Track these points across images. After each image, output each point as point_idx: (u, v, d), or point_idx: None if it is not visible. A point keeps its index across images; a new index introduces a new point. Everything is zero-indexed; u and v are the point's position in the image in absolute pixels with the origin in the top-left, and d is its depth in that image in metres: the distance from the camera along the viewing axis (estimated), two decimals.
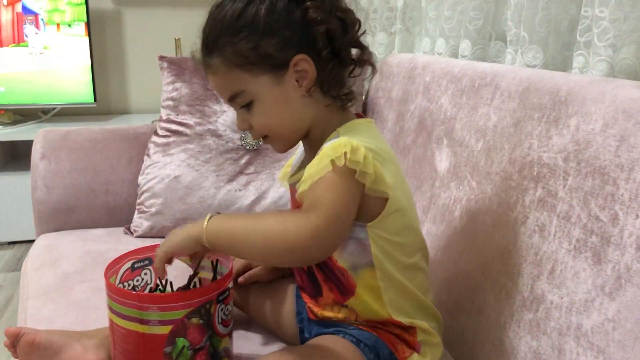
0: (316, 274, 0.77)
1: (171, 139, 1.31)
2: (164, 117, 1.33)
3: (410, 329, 0.75)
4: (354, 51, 0.75)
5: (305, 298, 0.82)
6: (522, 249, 0.78)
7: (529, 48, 1.01)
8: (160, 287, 0.82)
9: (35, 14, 2.25)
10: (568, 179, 0.72)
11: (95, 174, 1.33)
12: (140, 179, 1.31)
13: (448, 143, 1.04)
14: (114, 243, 1.23)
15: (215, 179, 1.27)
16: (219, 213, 0.70)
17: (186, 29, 2.41)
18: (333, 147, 0.66)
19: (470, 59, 1.21)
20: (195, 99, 1.32)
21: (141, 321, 0.67)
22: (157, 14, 2.53)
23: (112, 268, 0.75)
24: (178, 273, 0.79)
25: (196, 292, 0.70)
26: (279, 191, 1.28)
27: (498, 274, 0.82)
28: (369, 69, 0.78)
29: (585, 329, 0.65)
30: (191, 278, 0.78)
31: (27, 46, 2.26)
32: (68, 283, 1.05)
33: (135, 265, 0.79)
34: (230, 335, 0.76)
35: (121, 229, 1.31)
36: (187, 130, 1.30)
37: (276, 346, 0.86)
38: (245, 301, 0.91)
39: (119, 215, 1.34)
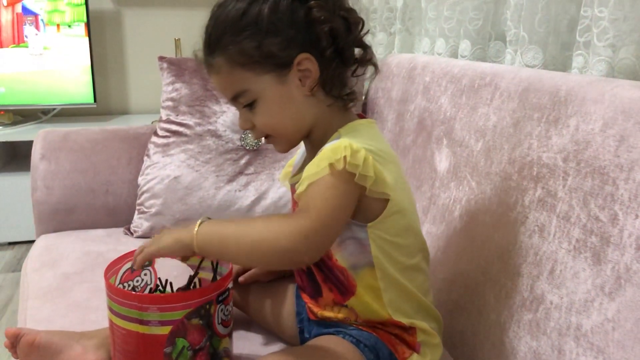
0: (315, 274, 0.77)
1: (171, 140, 1.31)
2: (164, 118, 1.33)
3: (410, 330, 0.75)
4: (356, 51, 0.75)
5: (305, 298, 0.82)
6: (522, 249, 0.78)
7: (528, 48, 1.01)
8: (160, 287, 0.82)
9: (35, 15, 2.25)
10: (568, 179, 0.72)
11: (95, 174, 1.33)
12: (140, 180, 1.31)
13: (448, 143, 1.04)
14: (113, 244, 1.23)
15: (215, 179, 1.27)
16: (209, 218, 0.69)
17: (186, 29, 2.42)
18: (332, 150, 0.66)
19: (470, 59, 1.21)
20: (195, 100, 1.32)
21: (141, 322, 0.67)
22: (157, 15, 2.53)
23: (112, 269, 0.75)
24: (178, 273, 0.79)
25: (196, 293, 0.70)
26: (278, 191, 1.28)
27: (498, 274, 0.82)
28: (370, 69, 0.78)
29: (585, 329, 0.65)
30: (191, 278, 0.78)
31: (27, 47, 2.26)
32: (68, 284, 1.05)
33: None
34: (230, 335, 0.76)
35: (121, 230, 1.31)
36: (187, 131, 1.30)
37: (276, 346, 0.86)
38: (245, 301, 0.91)
39: (118, 216, 1.34)
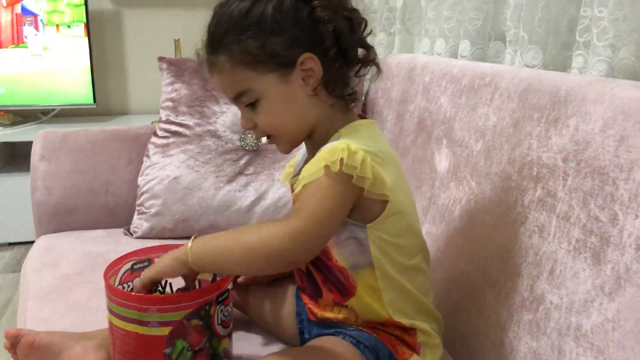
0: (315, 275, 0.77)
1: (170, 140, 1.31)
2: (164, 118, 1.33)
3: (410, 330, 0.75)
4: (359, 51, 0.75)
5: (305, 299, 0.82)
6: (522, 250, 0.78)
7: (528, 48, 1.01)
8: (159, 288, 0.82)
9: (35, 15, 2.25)
10: (567, 179, 0.72)
11: (94, 175, 1.33)
12: (140, 180, 1.31)
13: (447, 143, 1.04)
14: (113, 244, 1.23)
15: (214, 179, 1.27)
16: (201, 235, 0.70)
17: (185, 29, 2.42)
18: (330, 151, 0.66)
19: (470, 59, 1.21)
20: (194, 100, 1.32)
21: (141, 322, 0.67)
22: (157, 15, 2.53)
23: (111, 269, 0.75)
24: None
25: (196, 294, 0.70)
26: (278, 192, 1.28)
27: (498, 275, 0.82)
28: (371, 69, 0.78)
29: (585, 329, 0.65)
30: None
31: (26, 47, 2.26)
32: (68, 284, 1.05)
33: (135, 267, 0.79)
34: (230, 336, 0.76)
35: (121, 230, 1.31)
36: (187, 131, 1.30)
37: (276, 347, 0.86)
38: (245, 302, 0.91)
39: (118, 216, 1.34)
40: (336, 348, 0.73)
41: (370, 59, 0.75)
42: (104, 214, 1.34)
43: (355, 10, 0.73)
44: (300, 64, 0.69)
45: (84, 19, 2.27)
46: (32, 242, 1.33)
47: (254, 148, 1.30)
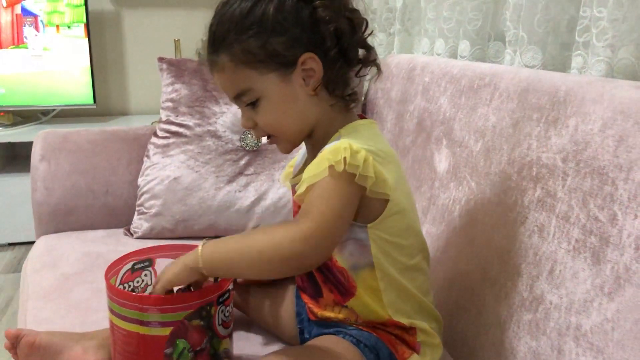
0: (315, 275, 0.77)
1: (171, 140, 1.31)
2: (164, 119, 1.33)
3: (410, 330, 0.75)
4: (359, 51, 0.75)
5: (305, 299, 0.82)
6: (522, 250, 0.78)
7: (527, 48, 1.01)
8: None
9: (35, 16, 2.25)
10: (567, 179, 0.72)
11: (95, 175, 1.33)
12: (140, 180, 1.31)
13: (447, 144, 1.04)
14: (114, 244, 1.23)
15: (214, 180, 1.27)
16: (210, 238, 0.70)
17: (186, 30, 2.42)
18: (332, 151, 0.66)
19: (469, 59, 1.21)
20: (194, 100, 1.32)
21: (141, 323, 0.67)
22: (157, 15, 2.54)
23: (112, 269, 0.75)
24: None
25: (196, 294, 0.70)
26: (278, 192, 1.28)
27: (497, 275, 0.82)
28: (372, 69, 0.78)
29: (584, 329, 0.65)
30: None
31: (26, 48, 2.26)
32: (68, 284, 1.05)
33: (136, 267, 0.79)
34: (230, 336, 0.76)
35: (121, 230, 1.31)
36: (187, 132, 1.30)
37: (276, 347, 0.86)
38: (246, 302, 0.91)
39: (118, 217, 1.34)
40: (336, 347, 0.73)
41: (370, 60, 0.75)
42: (104, 214, 1.34)
43: (356, 11, 0.73)
44: (301, 63, 0.70)
45: (84, 20, 2.27)
46: (32, 243, 1.33)
47: (254, 148, 1.31)
